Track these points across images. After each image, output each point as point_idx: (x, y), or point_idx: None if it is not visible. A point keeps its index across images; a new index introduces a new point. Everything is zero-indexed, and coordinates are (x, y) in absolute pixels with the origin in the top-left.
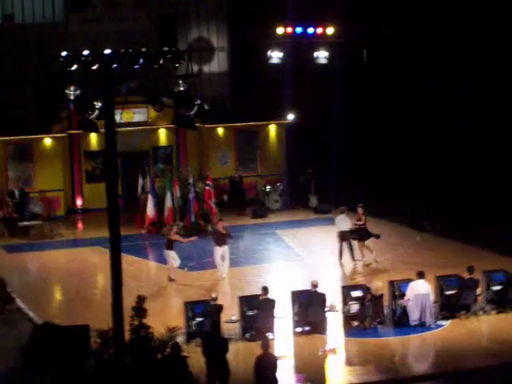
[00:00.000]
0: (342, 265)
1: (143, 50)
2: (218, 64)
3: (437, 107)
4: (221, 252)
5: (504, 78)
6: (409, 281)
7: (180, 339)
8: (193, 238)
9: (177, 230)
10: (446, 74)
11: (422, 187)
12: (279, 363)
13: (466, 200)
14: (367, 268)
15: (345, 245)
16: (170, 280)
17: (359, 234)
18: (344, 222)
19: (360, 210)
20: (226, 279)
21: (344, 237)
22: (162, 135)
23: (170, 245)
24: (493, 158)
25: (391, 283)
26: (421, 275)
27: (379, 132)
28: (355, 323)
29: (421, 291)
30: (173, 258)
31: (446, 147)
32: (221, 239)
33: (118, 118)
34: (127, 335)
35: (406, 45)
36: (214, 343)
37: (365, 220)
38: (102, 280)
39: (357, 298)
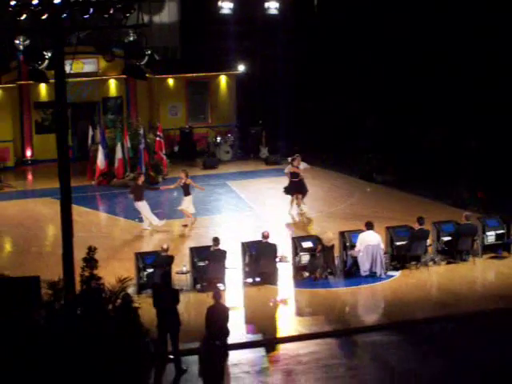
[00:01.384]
0: (292, 215)
1: None
2: (168, 14)
3: (386, 57)
4: (141, 206)
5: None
6: (359, 232)
7: (131, 290)
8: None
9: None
10: (398, 24)
11: (373, 138)
12: (230, 314)
13: (416, 152)
14: (319, 219)
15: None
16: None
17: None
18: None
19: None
20: (175, 231)
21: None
22: (112, 86)
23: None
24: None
25: (342, 234)
26: (369, 226)
27: (329, 83)
28: (306, 274)
29: (371, 242)
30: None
31: (398, 101)
32: (140, 193)
33: (67, 68)
34: (78, 286)
35: None
36: (165, 294)
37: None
38: (53, 231)
39: (308, 249)
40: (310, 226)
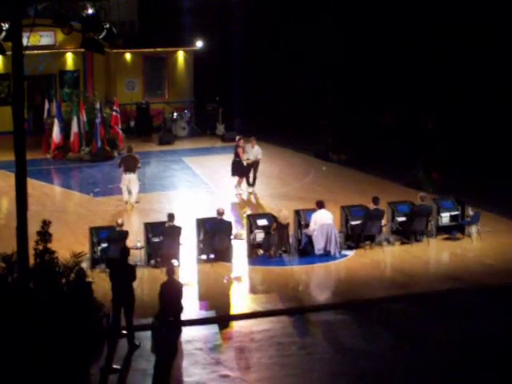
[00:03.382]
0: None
1: None
2: None
3: (346, 35)
4: (127, 179)
5: None
6: (314, 210)
7: (84, 265)
8: None
9: None
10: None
11: (330, 118)
12: (184, 290)
13: (372, 132)
14: (274, 197)
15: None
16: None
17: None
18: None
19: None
20: (132, 206)
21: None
22: (69, 59)
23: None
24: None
25: (297, 212)
26: (320, 205)
27: (288, 60)
28: (260, 252)
29: (325, 221)
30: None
31: (358, 79)
32: (128, 166)
33: (25, 40)
34: (32, 260)
35: None
36: (122, 270)
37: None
38: (7, 204)
39: (263, 227)
40: (266, 204)
